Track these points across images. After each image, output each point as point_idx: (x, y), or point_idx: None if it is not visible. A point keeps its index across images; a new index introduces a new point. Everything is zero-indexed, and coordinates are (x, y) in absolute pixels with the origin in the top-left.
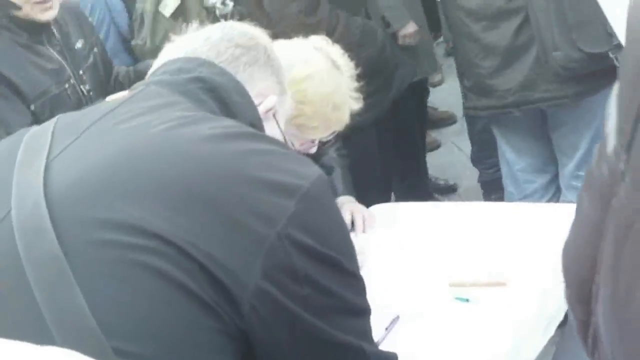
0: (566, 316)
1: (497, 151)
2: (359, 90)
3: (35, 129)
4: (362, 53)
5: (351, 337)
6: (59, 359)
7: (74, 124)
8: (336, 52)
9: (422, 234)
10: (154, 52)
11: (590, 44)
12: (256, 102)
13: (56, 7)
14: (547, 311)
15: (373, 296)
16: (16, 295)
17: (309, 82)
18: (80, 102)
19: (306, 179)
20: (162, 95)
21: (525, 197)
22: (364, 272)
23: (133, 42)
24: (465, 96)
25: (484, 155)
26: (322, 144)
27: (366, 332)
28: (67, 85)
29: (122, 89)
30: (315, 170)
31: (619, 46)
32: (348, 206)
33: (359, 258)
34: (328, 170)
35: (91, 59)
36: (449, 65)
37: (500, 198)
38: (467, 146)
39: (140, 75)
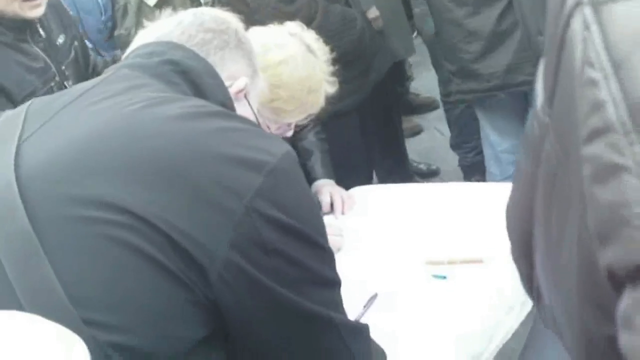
0: None
1: (475, 136)
2: (338, 75)
3: (8, 112)
4: (342, 40)
5: (320, 307)
6: (21, 321)
7: (46, 107)
8: (311, 37)
9: (401, 214)
10: None
11: None
12: (227, 83)
13: (44, 4)
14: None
15: (351, 275)
16: None
17: (284, 67)
18: None
19: (274, 155)
20: (133, 77)
21: (508, 178)
22: (342, 252)
23: (116, 33)
24: (449, 80)
25: (463, 140)
26: (300, 128)
27: (335, 303)
28: (52, 84)
29: None
30: (283, 147)
31: None
32: (327, 189)
33: (338, 239)
34: (307, 154)
35: (72, 54)
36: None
37: (481, 181)
38: (449, 131)
39: None
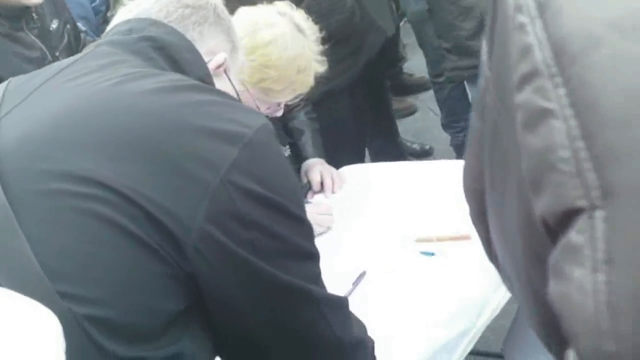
0: None
1: (465, 115)
2: (328, 54)
3: None
4: (332, 19)
5: (299, 280)
6: None
7: (24, 85)
8: (300, 16)
9: (391, 192)
10: None
11: None
12: (206, 59)
13: None
14: None
15: (340, 252)
16: None
17: (273, 46)
18: None
19: (250, 127)
20: (112, 54)
21: None
22: (332, 231)
23: (109, 14)
24: (444, 57)
25: (452, 120)
26: (290, 108)
27: (314, 276)
28: None
29: None
30: (260, 119)
31: None
32: (318, 168)
33: (328, 218)
34: (297, 133)
35: (65, 39)
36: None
37: None
38: None
39: None
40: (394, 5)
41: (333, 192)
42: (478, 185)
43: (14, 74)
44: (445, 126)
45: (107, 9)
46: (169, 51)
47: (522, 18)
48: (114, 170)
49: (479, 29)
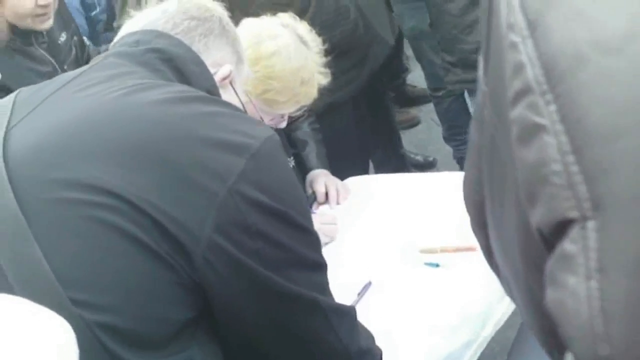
0: None
1: (466, 128)
2: (332, 66)
3: None
4: (336, 31)
5: (306, 289)
6: (4, 303)
7: (34, 95)
8: (303, 28)
9: (395, 203)
10: None
11: None
12: (212, 71)
13: (52, 14)
14: None
15: (346, 263)
16: None
17: (277, 58)
18: None
19: (257, 138)
20: (119, 65)
21: None
22: (337, 241)
23: (115, 24)
24: (448, 70)
25: (454, 133)
26: (294, 119)
27: (321, 285)
28: None
29: None
30: (266, 131)
31: None
32: (322, 179)
33: (332, 228)
34: (301, 144)
35: (73, 51)
36: None
37: None
38: None
39: None
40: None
41: (338, 203)
42: (477, 196)
43: None
44: (447, 139)
45: (108, 18)
46: (175, 63)
47: (514, 37)
48: (123, 179)
49: None
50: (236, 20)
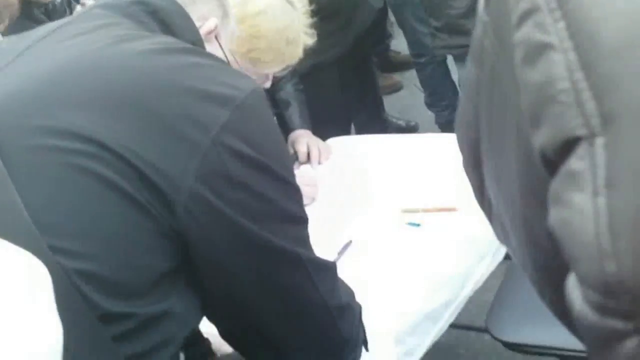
0: None
1: (448, 94)
2: (318, 28)
3: None
4: None
5: (287, 242)
6: None
7: (17, 44)
8: None
9: (377, 164)
10: None
11: None
12: (198, 24)
13: None
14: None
15: (326, 223)
16: None
17: (263, 17)
18: None
19: (241, 90)
20: (105, 16)
21: None
22: (318, 201)
23: None
24: (433, 36)
25: (436, 99)
26: (278, 79)
27: (302, 239)
28: None
29: None
30: (251, 83)
31: None
32: (304, 139)
33: (313, 189)
34: (284, 105)
35: (67, 12)
36: None
37: None
38: None
39: None
40: None
41: (319, 163)
42: (473, 134)
43: None
44: (429, 105)
45: None
46: (160, 15)
47: None
48: (105, 127)
49: (470, 8)
50: None
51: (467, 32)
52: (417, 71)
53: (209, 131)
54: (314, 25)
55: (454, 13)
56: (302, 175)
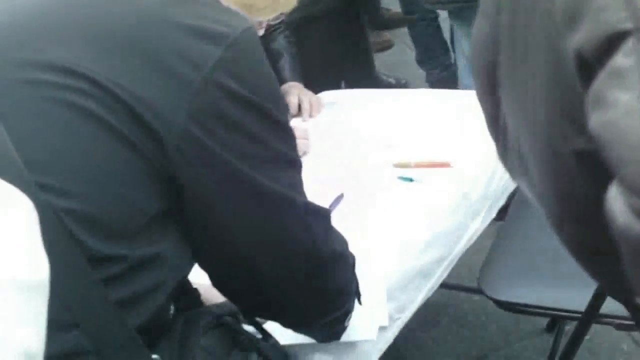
0: (506, 206)
1: (440, 52)
2: None
3: None
4: None
5: (281, 187)
6: None
7: None
8: None
9: (369, 118)
10: None
11: None
12: None
13: None
14: (490, 192)
15: (317, 176)
16: None
17: None
18: None
19: (235, 28)
20: None
21: None
22: (310, 154)
23: None
24: None
25: (427, 56)
26: (270, 29)
27: (296, 184)
28: None
29: None
30: (245, 22)
31: None
32: (296, 91)
33: (304, 142)
34: (276, 56)
35: None
36: None
37: None
38: None
39: None
40: None
41: (311, 116)
42: (489, 56)
43: None
44: (420, 62)
45: None
46: None
47: None
48: (95, 63)
49: None
50: None
51: None
52: (409, 28)
53: (201, 69)
54: None
55: None
56: (295, 128)
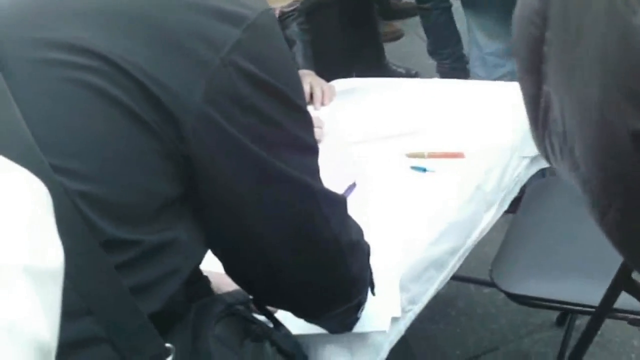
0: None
1: (452, 42)
2: None
3: None
4: None
5: (297, 172)
6: None
7: None
8: None
9: (382, 107)
10: None
11: None
12: None
13: None
14: (504, 184)
15: (329, 165)
16: None
17: None
18: None
19: (254, 10)
20: None
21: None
22: (321, 143)
23: None
24: None
25: (439, 46)
26: (284, 17)
27: (313, 170)
28: None
29: None
30: (263, 3)
31: None
32: (308, 79)
33: (316, 131)
34: (289, 43)
35: None
36: None
37: None
38: None
39: None
40: None
41: (323, 104)
42: (536, 31)
43: None
44: (431, 52)
45: None
46: None
47: None
48: (111, 42)
49: None
50: None
51: None
52: (421, 17)
53: (219, 50)
54: None
55: None
56: None
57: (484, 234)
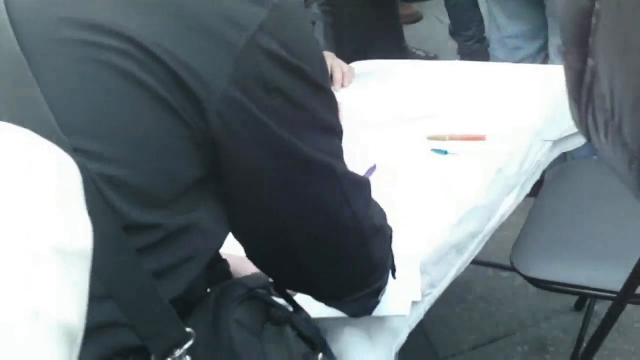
0: (539, 183)
1: (474, 23)
2: None
3: None
4: None
5: (322, 154)
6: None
7: None
8: None
9: (403, 89)
10: None
11: None
12: None
13: None
14: (525, 168)
15: (350, 147)
16: None
17: None
18: None
19: None
20: None
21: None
22: (342, 125)
23: None
24: None
25: (461, 28)
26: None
27: (337, 152)
28: None
29: None
30: None
31: None
32: (328, 61)
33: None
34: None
35: None
36: None
37: None
38: (448, 19)
39: None
40: None
41: (343, 86)
42: (585, 3)
43: None
44: (453, 34)
45: None
46: None
47: None
48: (136, 23)
49: None
50: None
51: None
52: None
53: (245, 31)
54: None
55: None
56: None
57: (505, 218)
